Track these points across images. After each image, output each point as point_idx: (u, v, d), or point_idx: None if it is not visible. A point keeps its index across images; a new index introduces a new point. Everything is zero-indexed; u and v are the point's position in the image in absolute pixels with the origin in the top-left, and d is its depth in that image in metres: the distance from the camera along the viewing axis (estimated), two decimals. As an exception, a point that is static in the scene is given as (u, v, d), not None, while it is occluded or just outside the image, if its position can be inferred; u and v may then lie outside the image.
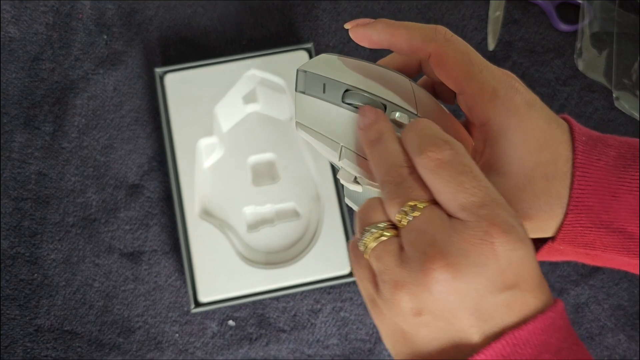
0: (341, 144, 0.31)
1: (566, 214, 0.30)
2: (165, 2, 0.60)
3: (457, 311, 0.26)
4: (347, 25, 0.32)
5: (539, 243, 0.33)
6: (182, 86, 0.55)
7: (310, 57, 0.56)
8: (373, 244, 0.27)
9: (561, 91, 0.60)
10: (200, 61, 0.56)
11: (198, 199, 0.54)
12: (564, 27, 0.60)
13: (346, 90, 0.31)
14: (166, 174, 0.57)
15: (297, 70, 0.32)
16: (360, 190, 0.33)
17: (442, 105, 0.33)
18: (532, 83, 0.59)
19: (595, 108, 0.59)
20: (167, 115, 0.55)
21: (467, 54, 0.31)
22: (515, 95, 0.30)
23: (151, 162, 0.57)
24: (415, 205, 0.27)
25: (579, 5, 0.59)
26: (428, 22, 0.60)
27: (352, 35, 0.32)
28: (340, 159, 0.31)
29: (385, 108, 0.31)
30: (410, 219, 0.27)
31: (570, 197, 0.30)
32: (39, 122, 0.57)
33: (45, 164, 0.57)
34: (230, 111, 0.56)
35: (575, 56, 0.60)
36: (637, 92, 0.59)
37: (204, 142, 0.55)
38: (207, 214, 0.54)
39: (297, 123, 0.32)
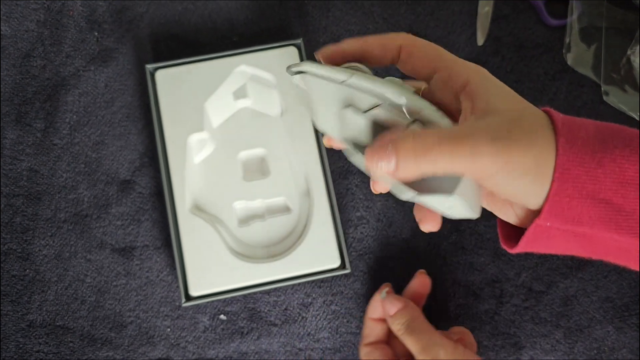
0: (348, 70, 0.34)
1: (552, 183, 0.29)
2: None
3: None
4: (316, 54, 0.36)
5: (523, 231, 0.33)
6: (173, 82, 0.56)
7: (300, 53, 0.56)
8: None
9: (550, 86, 0.60)
10: (191, 57, 0.56)
11: (189, 194, 0.54)
12: (552, 22, 0.61)
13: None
14: (157, 170, 0.57)
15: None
16: (369, 142, 0.35)
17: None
18: (521, 78, 0.60)
19: (584, 102, 0.60)
20: (158, 111, 0.55)
21: (434, 44, 0.34)
22: (487, 79, 0.32)
23: (142, 158, 0.58)
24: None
25: (567, 1, 0.60)
26: (418, 17, 0.60)
27: (324, 56, 0.35)
28: (351, 77, 0.33)
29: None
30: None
31: (555, 166, 0.29)
32: (30, 118, 0.58)
33: (37, 160, 0.57)
34: (221, 107, 0.56)
35: (564, 51, 0.60)
36: (626, 87, 0.60)
37: (195, 138, 0.55)
38: (198, 209, 0.55)
39: (303, 71, 0.35)
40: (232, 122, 0.56)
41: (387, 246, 0.57)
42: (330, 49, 0.35)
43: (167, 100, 0.55)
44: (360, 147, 0.35)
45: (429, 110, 0.32)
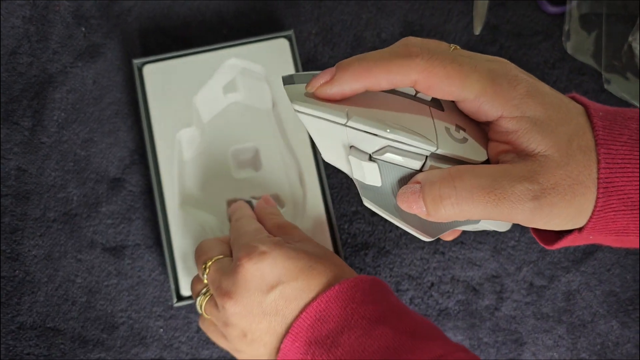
0: (346, 109, 0.29)
1: (596, 199, 0.28)
2: (144, -8, 0.59)
3: (253, 321, 0.37)
4: (308, 89, 0.30)
5: (557, 235, 0.31)
6: (161, 77, 0.54)
7: (291, 44, 0.55)
8: (203, 301, 0.42)
9: (550, 74, 0.58)
10: (179, 51, 0.55)
11: (179, 190, 0.53)
12: (551, 9, 0.59)
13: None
14: (148, 167, 0.56)
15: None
16: (379, 184, 0.31)
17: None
18: (520, 66, 0.58)
19: (584, 91, 0.58)
20: (147, 106, 0.54)
21: (456, 62, 0.28)
22: (518, 84, 0.29)
23: (133, 155, 0.56)
24: (206, 263, 0.41)
25: (566, -14, 0.58)
26: (412, 6, 0.59)
27: (320, 96, 0.29)
28: (347, 120, 0.29)
29: None
30: (206, 275, 0.41)
31: (598, 179, 0.27)
32: (17, 117, 0.57)
33: (25, 159, 0.56)
34: (211, 101, 0.55)
35: (563, 39, 0.59)
36: (628, 74, 0.58)
37: (185, 133, 0.54)
38: (189, 205, 0.53)
39: (296, 110, 0.30)
40: (222, 116, 0.55)
41: (382, 242, 0.55)
42: (326, 93, 0.29)
43: (155, 96, 0.54)
44: (372, 189, 0.31)
45: (457, 152, 0.29)
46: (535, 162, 0.27)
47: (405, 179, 0.30)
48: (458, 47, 0.30)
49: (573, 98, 0.31)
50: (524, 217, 0.27)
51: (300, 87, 0.30)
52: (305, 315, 0.35)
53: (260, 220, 0.46)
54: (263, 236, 0.40)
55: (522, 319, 0.54)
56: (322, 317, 0.35)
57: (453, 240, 0.55)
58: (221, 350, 0.54)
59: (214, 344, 0.54)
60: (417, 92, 0.31)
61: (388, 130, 0.29)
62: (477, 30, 0.59)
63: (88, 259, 0.55)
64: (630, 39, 0.58)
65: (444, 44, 0.30)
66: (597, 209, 0.28)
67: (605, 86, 0.58)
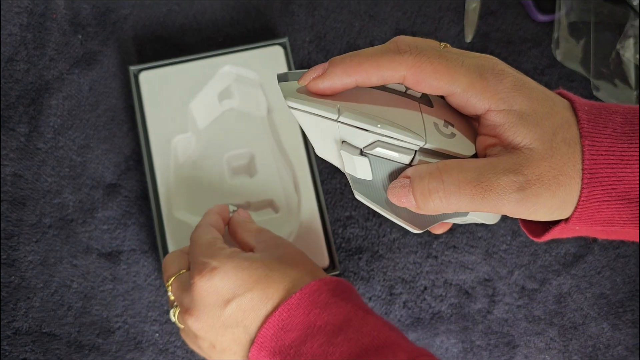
0: (338, 105, 0.30)
1: (581, 190, 0.28)
2: (140, 1, 0.60)
3: (217, 334, 0.38)
4: (301, 82, 0.31)
5: (544, 225, 0.32)
6: (157, 84, 0.55)
7: (285, 52, 0.56)
8: (175, 312, 0.42)
9: (539, 81, 0.59)
10: (175, 58, 0.56)
11: (175, 196, 0.54)
12: (541, 17, 0.60)
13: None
14: (143, 173, 0.56)
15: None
16: (370, 178, 0.32)
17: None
18: (510, 74, 0.59)
19: (573, 97, 0.59)
20: (143, 113, 0.55)
21: (443, 58, 0.29)
22: (505, 78, 0.29)
23: (128, 161, 0.57)
24: (169, 280, 0.42)
25: (555, -5, 0.59)
26: (405, 14, 0.60)
27: (312, 90, 0.30)
28: (339, 116, 0.30)
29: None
30: (170, 292, 0.42)
31: (582, 170, 0.28)
32: (13, 123, 0.57)
33: (21, 165, 0.56)
34: (206, 108, 0.55)
35: (552, 46, 0.60)
36: (616, 81, 0.59)
37: (180, 139, 0.55)
38: (184, 211, 0.54)
39: (289, 106, 0.31)
40: (217, 123, 0.55)
41: (376, 246, 0.56)
42: (318, 86, 0.30)
43: (151, 102, 0.55)
44: (363, 183, 0.32)
45: (445, 146, 0.30)
46: (521, 154, 0.28)
47: (396, 173, 0.31)
48: (448, 45, 0.31)
49: (559, 93, 0.32)
50: (510, 208, 0.28)
51: (293, 84, 0.31)
52: (268, 326, 0.36)
53: (233, 230, 0.46)
54: (215, 248, 0.40)
55: (514, 322, 0.55)
56: (285, 327, 0.35)
57: (446, 244, 0.56)
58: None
59: (209, 348, 0.54)
60: (407, 88, 0.32)
61: (379, 126, 0.30)
62: (469, 38, 0.60)
63: (84, 264, 0.55)
64: (617, 46, 0.59)
65: (434, 42, 0.31)
66: (582, 199, 0.28)
67: (594, 93, 0.59)
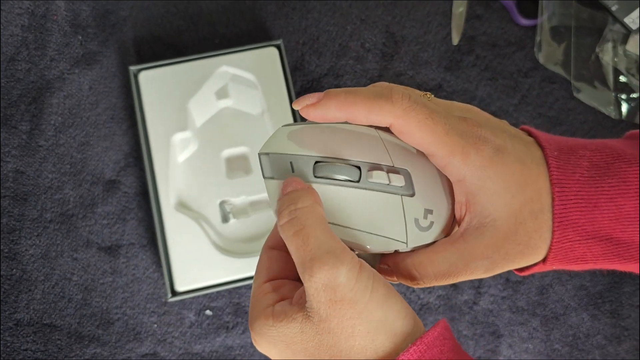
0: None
1: (553, 232, 0.30)
2: (138, 3, 0.62)
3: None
4: (295, 106, 0.31)
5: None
6: (156, 83, 0.57)
7: (280, 53, 0.58)
8: None
9: (523, 82, 0.62)
10: (173, 59, 0.58)
11: (173, 192, 0.56)
12: (524, 21, 0.63)
13: (316, 163, 0.30)
14: (142, 169, 0.58)
15: (259, 155, 0.30)
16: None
17: (416, 151, 0.32)
18: (494, 75, 0.62)
19: (555, 98, 0.62)
20: (142, 111, 0.57)
21: (430, 118, 0.30)
22: (484, 147, 0.30)
23: (127, 158, 0.59)
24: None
25: (538, 1, 0.62)
26: (394, 18, 0.62)
27: (304, 115, 0.31)
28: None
29: (360, 171, 0.30)
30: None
31: (553, 214, 0.30)
32: (15, 121, 0.59)
33: (23, 162, 0.58)
34: (204, 106, 0.57)
35: (535, 49, 0.62)
36: (595, 83, 0.62)
37: (179, 137, 0.56)
38: (182, 206, 0.56)
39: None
40: (214, 121, 0.58)
41: (368, 240, 0.58)
42: (309, 114, 0.31)
43: (150, 101, 0.57)
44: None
45: (422, 242, 0.32)
46: (486, 234, 0.31)
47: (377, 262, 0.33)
48: (431, 95, 0.33)
49: (528, 132, 0.33)
50: (481, 277, 0.32)
51: (279, 184, 0.30)
52: None
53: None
54: (257, 311, 0.30)
55: (499, 313, 0.57)
56: None
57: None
58: (212, 345, 0.56)
59: (206, 338, 0.56)
60: (390, 181, 0.31)
61: (368, 247, 0.30)
62: (455, 41, 0.62)
63: (84, 257, 0.57)
64: (597, 50, 0.62)
65: (417, 92, 0.32)
66: (555, 240, 0.30)
67: (575, 94, 0.62)
